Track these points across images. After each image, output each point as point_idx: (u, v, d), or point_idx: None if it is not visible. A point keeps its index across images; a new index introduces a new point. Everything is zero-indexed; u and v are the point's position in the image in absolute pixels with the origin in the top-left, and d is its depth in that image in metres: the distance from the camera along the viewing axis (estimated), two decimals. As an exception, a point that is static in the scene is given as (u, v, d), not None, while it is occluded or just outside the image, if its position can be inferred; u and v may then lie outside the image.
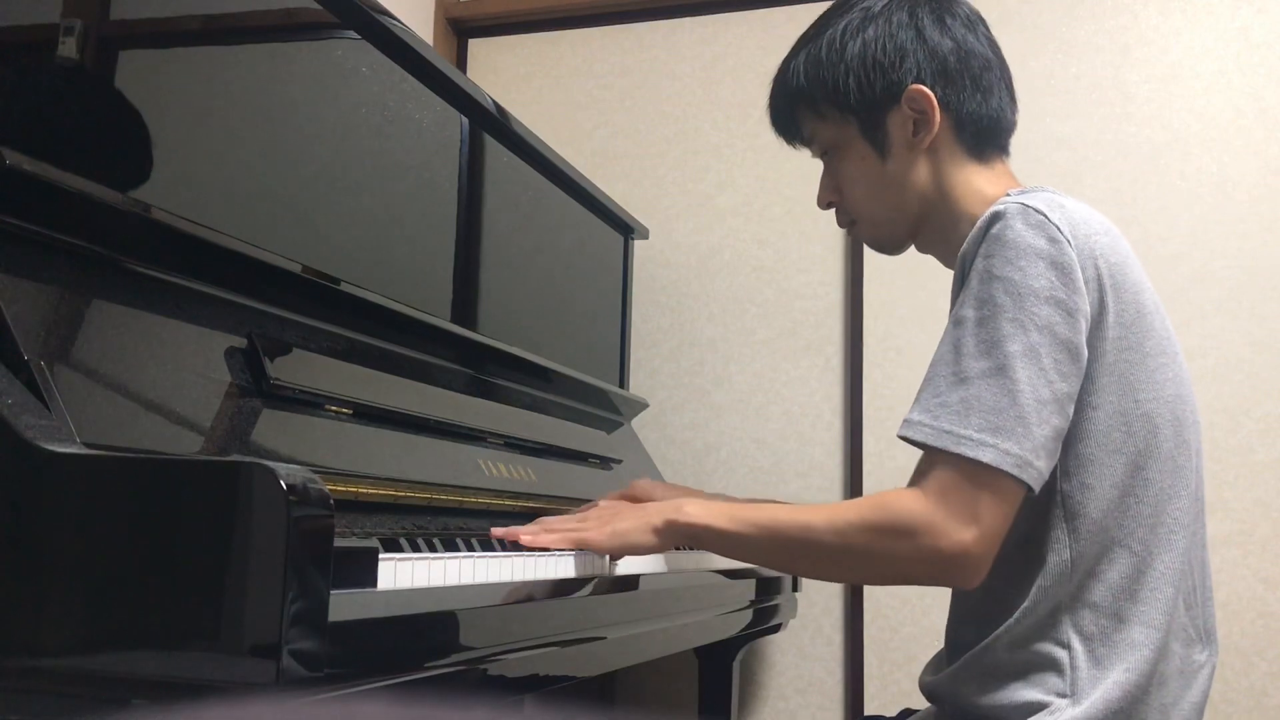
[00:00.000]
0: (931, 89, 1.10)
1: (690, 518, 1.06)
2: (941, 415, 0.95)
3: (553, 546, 1.07)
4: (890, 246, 1.21)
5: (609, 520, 1.09)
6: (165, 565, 0.69)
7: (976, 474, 0.94)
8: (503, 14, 2.40)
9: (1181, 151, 2.03)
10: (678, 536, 1.07)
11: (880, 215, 1.17)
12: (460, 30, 2.44)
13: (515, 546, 1.08)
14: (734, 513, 1.05)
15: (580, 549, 1.08)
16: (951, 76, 1.11)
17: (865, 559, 1.00)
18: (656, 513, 1.08)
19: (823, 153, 1.19)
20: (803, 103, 1.17)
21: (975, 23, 1.14)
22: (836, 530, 0.99)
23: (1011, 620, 0.99)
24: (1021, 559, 1.00)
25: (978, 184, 1.12)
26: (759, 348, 2.21)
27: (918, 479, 0.97)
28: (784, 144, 1.23)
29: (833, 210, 1.22)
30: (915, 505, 0.95)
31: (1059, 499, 0.99)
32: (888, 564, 0.99)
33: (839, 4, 1.17)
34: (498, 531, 1.08)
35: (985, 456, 0.92)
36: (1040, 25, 2.12)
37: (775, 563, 1.09)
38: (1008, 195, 1.04)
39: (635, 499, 1.30)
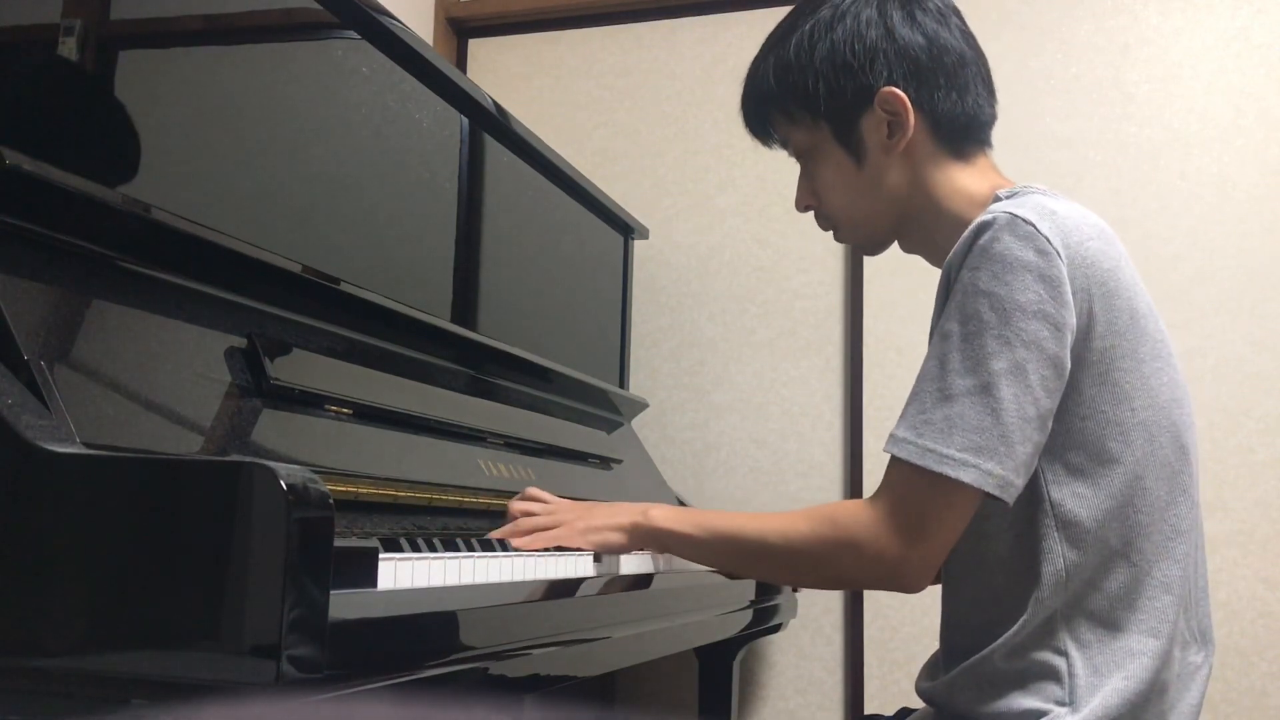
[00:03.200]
0: (904, 90, 1.07)
1: (655, 522, 1.10)
2: (926, 432, 0.95)
3: (536, 547, 1.09)
4: (872, 248, 1.19)
5: (583, 517, 1.13)
6: (165, 565, 0.69)
7: (951, 493, 0.94)
8: (503, 14, 2.40)
9: (1181, 151, 2.03)
10: (643, 539, 1.12)
11: (860, 218, 1.15)
12: (460, 30, 2.44)
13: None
14: (696, 519, 1.09)
15: (558, 545, 1.11)
16: (924, 75, 1.07)
17: (813, 566, 1.03)
18: (625, 514, 1.13)
19: (798, 155, 1.17)
20: (774, 107, 1.15)
21: (947, 15, 1.10)
22: (787, 539, 1.02)
23: (1008, 632, 0.99)
24: (1014, 570, 1.00)
25: (961, 182, 1.09)
26: (759, 348, 2.21)
27: (880, 486, 0.99)
28: (758, 143, 1.22)
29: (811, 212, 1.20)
30: (862, 516, 0.98)
31: (1049, 508, 0.98)
32: (834, 571, 1.03)
33: (806, 1, 1.14)
34: (497, 533, 1.10)
35: (967, 477, 0.92)
36: (1040, 25, 2.12)
37: (733, 567, 1.15)
38: (997, 199, 1.03)
39: None
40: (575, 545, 1.11)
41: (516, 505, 1.17)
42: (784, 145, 1.19)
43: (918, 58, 1.07)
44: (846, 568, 1.00)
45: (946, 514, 0.95)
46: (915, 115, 1.08)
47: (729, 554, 1.09)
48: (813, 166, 1.15)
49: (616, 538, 1.12)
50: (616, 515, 1.12)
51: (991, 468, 0.92)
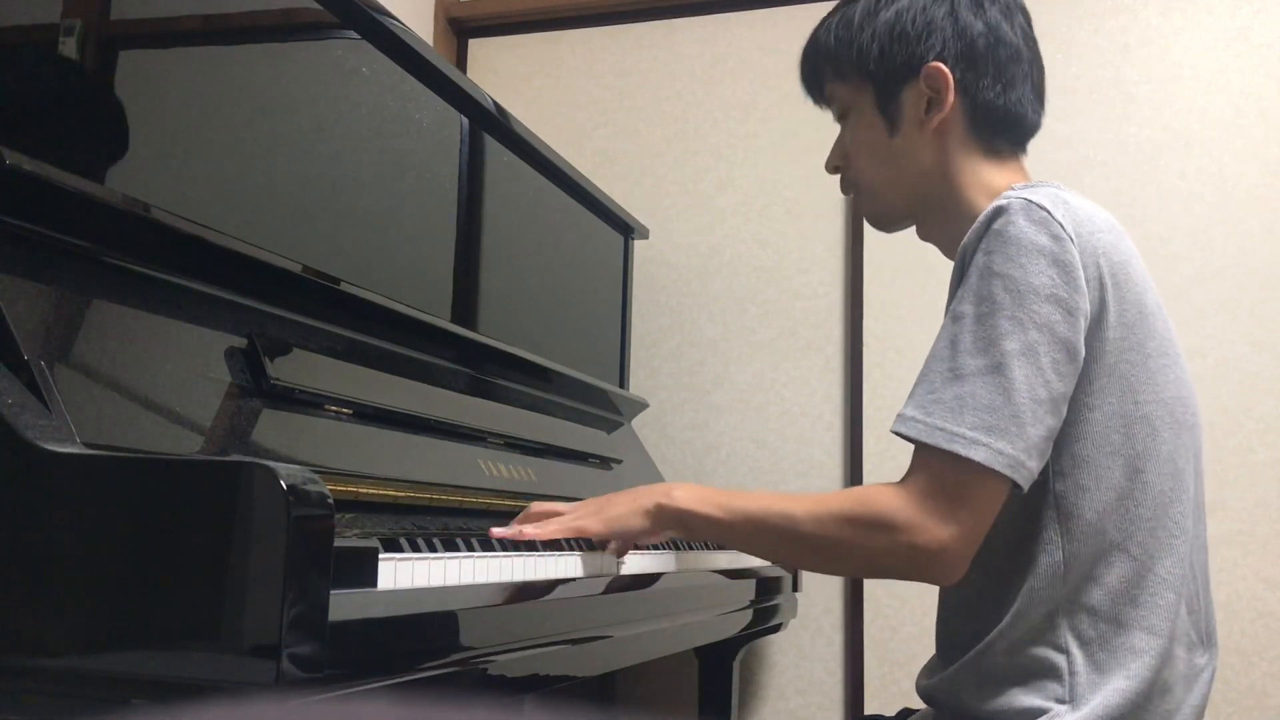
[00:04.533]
0: (951, 70, 1.08)
1: (679, 503, 1.07)
2: (935, 411, 0.95)
3: (551, 536, 1.08)
4: (885, 222, 1.19)
5: (602, 507, 1.11)
6: (165, 565, 0.69)
7: (966, 472, 0.93)
8: (503, 14, 2.40)
9: (1181, 151, 2.03)
10: (667, 521, 1.09)
11: (879, 187, 1.15)
12: (460, 30, 2.44)
13: (516, 546, 1.08)
14: (721, 500, 1.06)
15: (578, 536, 1.10)
16: (975, 61, 1.09)
17: (844, 551, 1.00)
18: (647, 496, 1.10)
19: (839, 115, 1.19)
20: (827, 61, 1.16)
21: (1014, 11, 1.12)
22: (818, 522, 1.00)
23: (1005, 623, 0.99)
24: (1011, 558, 1.00)
25: (985, 176, 1.10)
26: (759, 348, 2.21)
27: (907, 472, 0.98)
28: (808, 100, 1.22)
29: (836, 192, 1.21)
30: (895, 501, 0.96)
31: (1052, 499, 0.98)
32: (865, 557, 1.00)
33: None
34: (497, 532, 1.08)
35: (977, 455, 0.92)
36: (1040, 25, 2.10)
37: (759, 551, 1.11)
38: (1012, 189, 1.03)
39: None
40: (594, 531, 1.09)
41: (538, 506, 1.15)
42: (829, 103, 1.20)
43: (974, 42, 1.09)
44: (879, 552, 0.97)
45: (971, 495, 0.94)
46: (955, 97, 1.09)
47: (756, 537, 1.06)
48: (849, 128, 1.17)
49: (638, 521, 1.09)
50: (639, 499, 1.10)
51: (1002, 447, 0.92)
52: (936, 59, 1.09)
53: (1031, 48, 1.13)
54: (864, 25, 1.12)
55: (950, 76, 1.08)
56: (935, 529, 0.94)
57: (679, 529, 1.10)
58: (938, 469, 0.95)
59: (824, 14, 1.18)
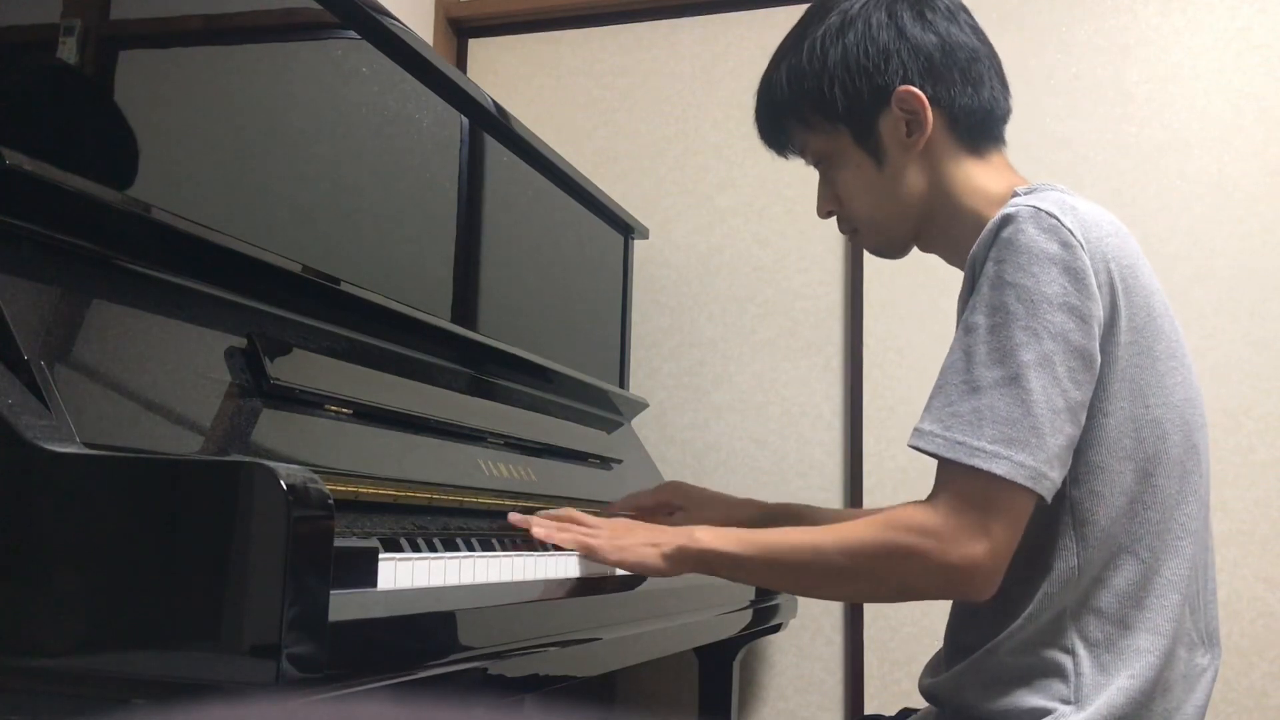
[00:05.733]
0: (920, 88, 1.07)
1: (701, 543, 1.05)
2: (954, 425, 0.94)
3: (560, 545, 1.07)
4: (894, 251, 1.18)
5: (621, 534, 1.09)
6: (165, 565, 0.69)
7: (990, 486, 0.93)
8: (503, 14, 2.40)
9: (1181, 151, 2.03)
10: (687, 563, 1.07)
11: (883, 221, 1.14)
12: (460, 30, 2.44)
13: (517, 545, 1.08)
14: (745, 537, 1.04)
15: (585, 553, 1.08)
16: (939, 72, 1.08)
17: (878, 579, 0.99)
18: (670, 538, 1.07)
19: (816, 162, 1.17)
20: (789, 115, 1.14)
21: (956, 12, 1.11)
22: (848, 553, 0.98)
23: (1015, 625, 0.99)
24: (1027, 565, 1.00)
25: (978, 180, 1.09)
26: (759, 348, 2.21)
27: (933, 489, 0.97)
28: (775, 155, 1.21)
29: (833, 217, 1.19)
30: (925, 521, 0.95)
31: (1068, 506, 0.98)
32: (900, 582, 0.99)
33: (814, 9, 1.14)
34: (515, 518, 1.07)
35: (999, 469, 0.91)
36: (1040, 25, 2.12)
37: (787, 586, 1.09)
38: (1016, 195, 1.03)
39: (665, 503, 1.34)
40: (604, 556, 1.07)
41: (568, 512, 1.14)
42: (801, 154, 1.18)
43: (931, 56, 1.08)
44: (914, 574, 0.96)
45: (998, 509, 0.93)
46: (933, 112, 1.08)
47: (783, 573, 1.04)
48: (833, 172, 1.15)
49: (654, 561, 1.06)
50: (659, 539, 1.07)
51: (1023, 459, 0.91)
52: (903, 82, 1.07)
53: (983, 40, 1.12)
54: (817, 70, 1.10)
55: (922, 95, 1.07)
56: (968, 546, 0.93)
57: (699, 569, 1.08)
58: (962, 485, 0.94)
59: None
